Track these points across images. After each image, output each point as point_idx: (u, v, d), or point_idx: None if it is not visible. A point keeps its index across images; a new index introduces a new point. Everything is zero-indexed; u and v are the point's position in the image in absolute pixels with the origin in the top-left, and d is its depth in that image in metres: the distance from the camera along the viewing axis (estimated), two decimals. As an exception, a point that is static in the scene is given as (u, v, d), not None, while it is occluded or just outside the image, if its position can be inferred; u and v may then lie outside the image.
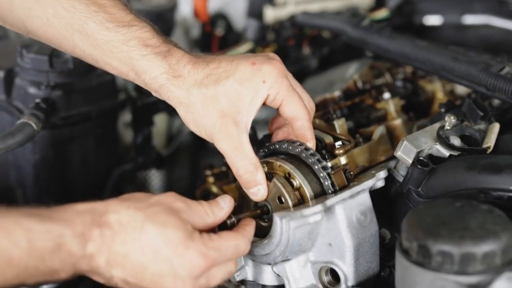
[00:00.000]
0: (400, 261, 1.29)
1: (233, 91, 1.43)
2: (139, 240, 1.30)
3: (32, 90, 1.93)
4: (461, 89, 2.02)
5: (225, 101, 1.43)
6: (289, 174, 1.48)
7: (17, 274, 1.22)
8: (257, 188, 1.46)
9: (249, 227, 1.43)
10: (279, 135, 1.57)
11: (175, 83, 1.45)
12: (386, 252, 1.52)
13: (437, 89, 1.99)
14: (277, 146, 1.54)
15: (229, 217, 1.44)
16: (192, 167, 2.44)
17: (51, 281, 1.27)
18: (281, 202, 1.46)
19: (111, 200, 1.35)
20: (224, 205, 1.42)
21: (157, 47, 1.47)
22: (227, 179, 1.85)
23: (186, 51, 1.50)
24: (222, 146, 1.44)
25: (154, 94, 1.51)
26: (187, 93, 1.45)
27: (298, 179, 1.47)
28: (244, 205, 1.53)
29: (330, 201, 1.42)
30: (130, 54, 1.47)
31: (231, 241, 1.38)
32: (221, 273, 1.38)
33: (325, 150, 1.56)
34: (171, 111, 2.33)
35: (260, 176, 1.46)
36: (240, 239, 1.39)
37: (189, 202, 1.39)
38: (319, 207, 1.40)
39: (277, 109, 1.51)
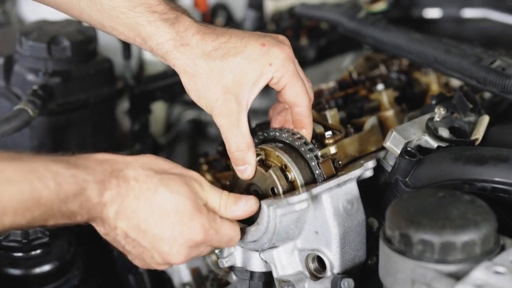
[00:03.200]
0: (383, 249, 1.31)
1: (240, 69, 1.45)
2: (151, 201, 1.36)
3: (30, 77, 1.96)
4: (456, 82, 2.04)
5: (230, 77, 1.46)
6: (285, 166, 1.50)
7: (43, 212, 1.29)
8: (245, 167, 1.49)
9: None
10: (277, 120, 1.59)
11: (182, 51, 1.47)
12: (374, 241, 1.53)
13: (432, 82, 2.01)
14: (277, 134, 1.55)
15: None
16: (191, 155, 2.47)
17: (68, 223, 1.34)
18: (273, 193, 1.49)
19: (133, 157, 1.41)
20: (243, 206, 1.45)
21: (164, 13, 1.49)
22: (221, 166, 1.87)
23: (195, 19, 1.52)
24: (221, 121, 1.47)
25: (160, 59, 1.53)
26: (193, 63, 1.47)
27: (294, 174, 1.49)
28: (236, 186, 1.55)
29: (316, 189, 1.44)
30: (136, 20, 1.49)
31: (230, 231, 1.43)
32: (207, 250, 1.45)
33: (315, 139, 1.58)
34: (169, 100, 2.36)
35: (251, 156, 1.48)
36: (236, 232, 1.44)
37: (207, 187, 1.43)
38: (305, 195, 1.42)
39: (278, 95, 1.54)
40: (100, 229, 1.40)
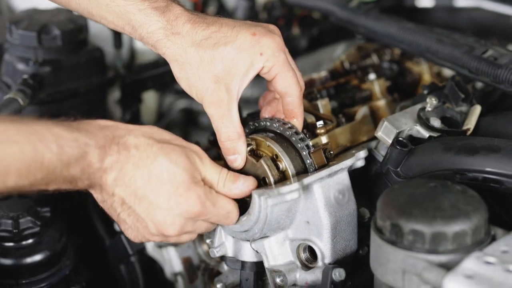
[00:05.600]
0: (374, 240, 1.32)
1: (230, 58, 1.45)
2: (149, 168, 1.36)
3: (20, 66, 1.95)
4: (448, 72, 2.03)
5: (221, 66, 1.45)
6: (276, 156, 1.50)
7: (45, 176, 1.29)
8: (235, 157, 1.49)
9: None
10: (267, 110, 1.59)
11: (173, 39, 1.47)
12: (366, 231, 1.53)
13: (424, 71, 2.00)
14: (268, 124, 1.55)
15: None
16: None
17: (70, 188, 1.35)
18: (265, 183, 1.49)
19: (135, 125, 1.42)
20: (241, 185, 1.45)
21: (154, 1, 1.49)
22: (212, 156, 1.86)
23: (185, 7, 1.51)
24: (211, 110, 1.47)
25: (150, 48, 1.52)
26: (184, 52, 1.47)
27: (285, 163, 1.49)
28: None
29: (308, 179, 1.44)
30: (126, 8, 1.49)
31: (228, 204, 1.43)
32: (204, 227, 1.44)
33: (306, 129, 1.58)
34: (160, 89, 2.35)
35: (241, 145, 1.49)
36: (235, 206, 1.44)
37: (207, 162, 1.44)
38: (296, 185, 1.42)
39: (268, 84, 1.53)
40: (98, 196, 1.40)
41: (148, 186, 1.36)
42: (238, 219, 1.46)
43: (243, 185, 1.45)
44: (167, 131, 1.45)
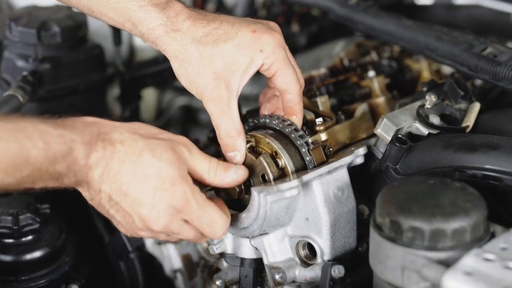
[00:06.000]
0: (374, 236, 1.32)
1: (230, 55, 1.45)
2: (134, 164, 1.35)
3: (20, 63, 1.95)
4: (447, 69, 2.03)
5: (221, 63, 1.45)
6: (275, 152, 1.50)
7: (31, 173, 1.28)
8: (235, 153, 1.49)
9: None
10: (267, 107, 1.59)
11: (173, 36, 1.47)
12: (365, 228, 1.54)
13: (423, 68, 2.00)
14: (267, 121, 1.55)
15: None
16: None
17: (56, 186, 1.34)
18: (264, 180, 1.49)
19: (121, 122, 1.41)
20: (232, 174, 1.44)
21: None
22: (211, 153, 1.86)
23: (185, 4, 1.51)
24: (211, 107, 1.47)
25: (150, 44, 1.52)
26: (184, 49, 1.47)
27: (284, 160, 1.49)
28: None
29: (307, 176, 1.44)
30: (127, 5, 1.49)
31: (214, 213, 1.40)
32: (192, 234, 1.41)
33: (305, 126, 1.58)
34: (160, 86, 2.36)
35: (241, 142, 1.48)
36: (222, 218, 1.41)
37: (195, 152, 1.42)
38: (295, 182, 1.42)
39: (268, 81, 1.53)
40: (86, 194, 1.40)
41: (133, 182, 1.35)
42: (237, 217, 1.47)
43: (235, 174, 1.44)
44: (153, 126, 1.43)
